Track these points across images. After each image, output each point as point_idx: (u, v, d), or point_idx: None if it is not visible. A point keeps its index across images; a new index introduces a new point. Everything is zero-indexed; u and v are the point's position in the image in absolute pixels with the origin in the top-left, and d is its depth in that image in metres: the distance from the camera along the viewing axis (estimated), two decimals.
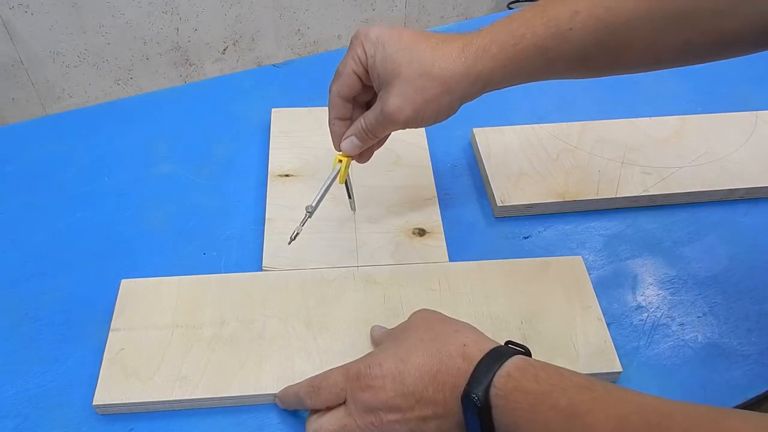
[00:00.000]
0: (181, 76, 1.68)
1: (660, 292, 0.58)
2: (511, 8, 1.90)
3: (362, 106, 0.54)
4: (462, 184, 0.67)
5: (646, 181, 0.65)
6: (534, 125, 0.71)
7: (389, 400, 0.42)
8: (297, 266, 0.57)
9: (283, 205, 0.62)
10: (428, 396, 0.41)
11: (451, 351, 0.42)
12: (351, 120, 0.54)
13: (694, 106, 0.76)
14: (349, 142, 0.53)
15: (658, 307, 0.57)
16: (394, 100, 0.48)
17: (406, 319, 0.48)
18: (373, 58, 0.49)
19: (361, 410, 0.43)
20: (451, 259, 0.59)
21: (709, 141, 0.69)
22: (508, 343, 0.44)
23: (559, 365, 0.50)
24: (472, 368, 0.40)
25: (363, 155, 0.55)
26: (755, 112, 0.73)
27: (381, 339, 0.50)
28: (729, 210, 0.65)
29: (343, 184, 0.57)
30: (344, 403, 0.44)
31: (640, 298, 0.57)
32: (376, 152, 0.57)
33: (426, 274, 0.57)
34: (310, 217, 0.54)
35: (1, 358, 0.52)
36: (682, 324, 0.55)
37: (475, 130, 0.70)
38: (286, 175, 0.65)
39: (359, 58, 0.50)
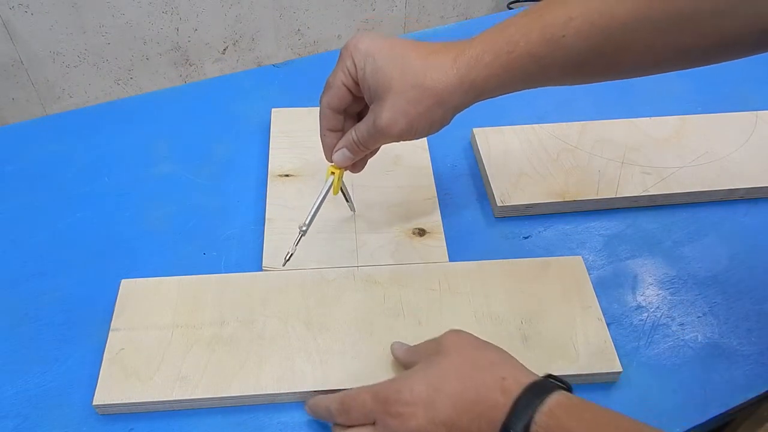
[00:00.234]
0: (181, 76, 1.68)
1: (660, 292, 0.58)
2: (511, 8, 1.89)
3: (354, 117, 0.54)
4: (462, 184, 0.67)
5: (646, 181, 0.65)
6: (534, 125, 0.71)
7: (419, 428, 0.40)
8: (297, 266, 0.57)
9: (283, 205, 0.62)
10: (462, 426, 0.40)
11: (489, 383, 0.40)
12: (342, 131, 0.53)
13: (694, 106, 0.76)
14: (341, 155, 0.52)
15: (658, 307, 0.57)
16: (386, 114, 0.47)
17: (437, 338, 0.46)
18: (363, 70, 0.48)
19: None
20: (451, 259, 0.59)
21: (709, 141, 0.69)
22: (548, 376, 0.42)
23: (560, 365, 0.50)
24: (510, 402, 0.39)
25: (356, 165, 0.55)
26: (755, 112, 0.73)
27: (408, 358, 0.48)
28: (729, 210, 0.65)
29: (345, 193, 0.57)
30: (374, 423, 0.43)
31: (640, 298, 0.57)
32: (375, 154, 0.57)
33: (426, 274, 0.57)
34: (303, 235, 0.53)
35: (1, 358, 0.52)
36: (682, 324, 0.55)
37: (475, 130, 0.70)
38: (286, 175, 0.65)
39: (349, 70, 0.49)
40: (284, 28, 1.71)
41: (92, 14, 1.46)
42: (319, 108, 0.52)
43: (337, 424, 0.46)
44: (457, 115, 0.50)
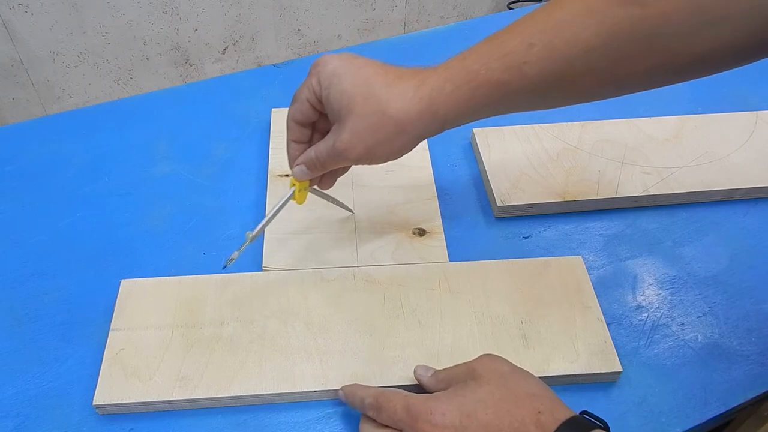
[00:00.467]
0: (181, 76, 1.68)
1: (660, 292, 0.58)
2: (511, 8, 1.89)
3: (322, 132, 0.52)
4: (462, 185, 0.67)
5: (646, 181, 0.65)
6: (534, 125, 0.71)
7: None
8: (297, 266, 0.57)
9: None
10: None
11: (524, 416, 0.40)
12: (309, 143, 0.52)
13: (694, 106, 0.76)
14: (299, 170, 0.52)
15: (658, 307, 0.57)
16: (346, 137, 0.47)
17: (469, 363, 0.46)
18: (327, 90, 0.47)
19: None
20: (451, 259, 0.59)
21: (709, 141, 0.69)
22: (583, 413, 0.42)
23: (560, 365, 0.50)
24: None
25: (324, 181, 0.54)
26: (755, 112, 0.73)
27: (436, 386, 0.47)
28: (729, 210, 0.65)
29: (330, 200, 0.56)
30: (401, 431, 0.43)
31: (640, 298, 0.57)
32: (346, 173, 0.56)
33: (426, 274, 0.57)
34: (250, 242, 0.52)
35: (1, 358, 0.52)
36: (682, 324, 0.55)
37: (475, 130, 0.70)
38: (286, 175, 0.65)
39: (313, 88, 0.48)
40: (284, 28, 1.71)
41: (92, 14, 1.46)
42: None
43: (367, 421, 0.46)
44: None
